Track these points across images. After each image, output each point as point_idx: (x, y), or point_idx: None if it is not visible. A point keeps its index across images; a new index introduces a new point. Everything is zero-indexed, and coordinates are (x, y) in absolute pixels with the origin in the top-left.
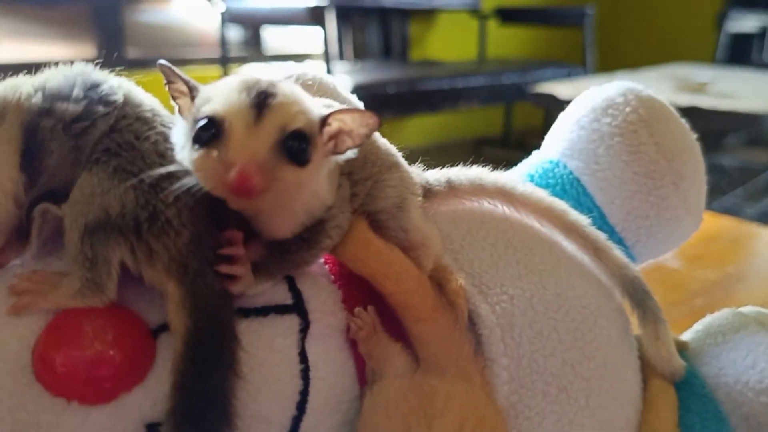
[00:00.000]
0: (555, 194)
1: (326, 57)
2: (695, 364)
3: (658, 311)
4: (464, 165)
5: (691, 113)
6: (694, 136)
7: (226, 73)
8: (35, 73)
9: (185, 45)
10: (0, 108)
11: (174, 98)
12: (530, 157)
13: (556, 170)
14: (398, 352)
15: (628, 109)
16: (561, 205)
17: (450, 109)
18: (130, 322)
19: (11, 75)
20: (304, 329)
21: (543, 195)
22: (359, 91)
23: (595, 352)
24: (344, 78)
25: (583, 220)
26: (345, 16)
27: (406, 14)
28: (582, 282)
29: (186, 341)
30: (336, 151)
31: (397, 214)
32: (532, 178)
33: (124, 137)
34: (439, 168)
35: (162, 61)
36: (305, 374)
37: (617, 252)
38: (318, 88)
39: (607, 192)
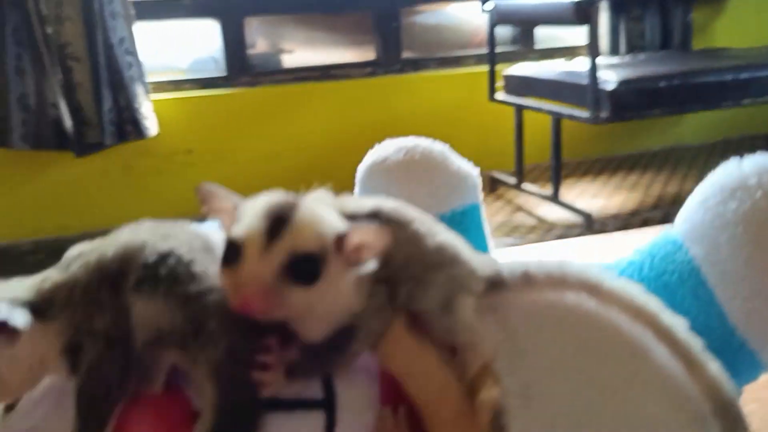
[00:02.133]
0: (670, 283)
1: (592, 53)
2: None
3: None
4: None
5: None
6: None
7: (492, 70)
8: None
9: (457, 45)
10: None
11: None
12: (659, 234)
13: (677, 255)
14: None
15: (759, 194)
16: (654, 305)
17: (733, 106)
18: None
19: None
20: (330, 426)
21: (634, 292)
22: (624, 86)
23: None
24: (608, 74)
25: (678, 324)
26: (621, 6)
27: (689, 0)
28: (659, 399)
29: None
30: (356, 263)
31: (442, 315)
32: (652, 260)
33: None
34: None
35: (200, 185)
36: None
37: (713, 367)
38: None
39: (729, 288)
